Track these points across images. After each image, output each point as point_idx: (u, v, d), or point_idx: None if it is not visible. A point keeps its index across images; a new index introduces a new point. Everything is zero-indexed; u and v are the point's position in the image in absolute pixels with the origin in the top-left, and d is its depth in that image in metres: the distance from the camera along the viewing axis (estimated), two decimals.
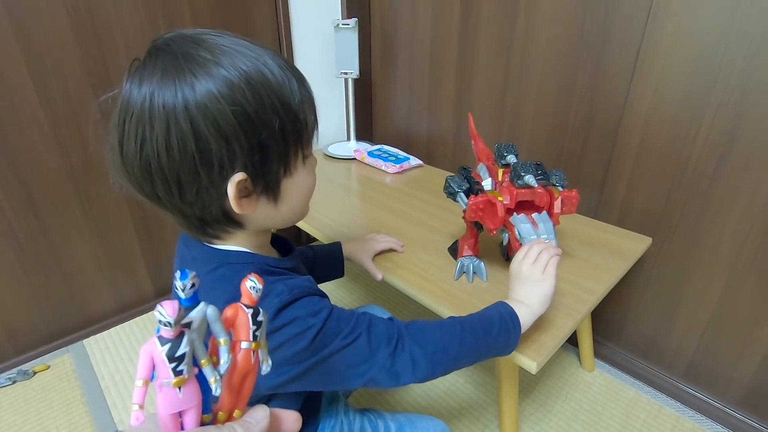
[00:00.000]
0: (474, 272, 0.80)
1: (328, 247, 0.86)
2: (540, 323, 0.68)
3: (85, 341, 1.22)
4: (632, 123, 0.96)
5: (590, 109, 1.03)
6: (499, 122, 1.23)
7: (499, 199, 0.68)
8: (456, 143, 1.38)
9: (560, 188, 0.72)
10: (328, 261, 0.84)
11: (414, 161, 1.33)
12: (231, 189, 0.43)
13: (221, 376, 0.24)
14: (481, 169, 0.80)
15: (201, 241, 0.51)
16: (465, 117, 1.32)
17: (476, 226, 0.80)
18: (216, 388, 0.23)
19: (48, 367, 1.14)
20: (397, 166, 1.28)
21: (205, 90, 0.40)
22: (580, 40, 1.00)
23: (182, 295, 0.23)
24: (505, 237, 0.73)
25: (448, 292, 0.77)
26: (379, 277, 0.82)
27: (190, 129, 0.40)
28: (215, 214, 0.46)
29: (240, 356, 0.26)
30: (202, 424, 0.24)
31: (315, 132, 0.51)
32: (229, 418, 0.26)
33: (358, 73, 1.35)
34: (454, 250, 0.87)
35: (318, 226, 1.00)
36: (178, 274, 0.23)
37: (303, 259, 0.82)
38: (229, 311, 0.26)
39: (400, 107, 1.50)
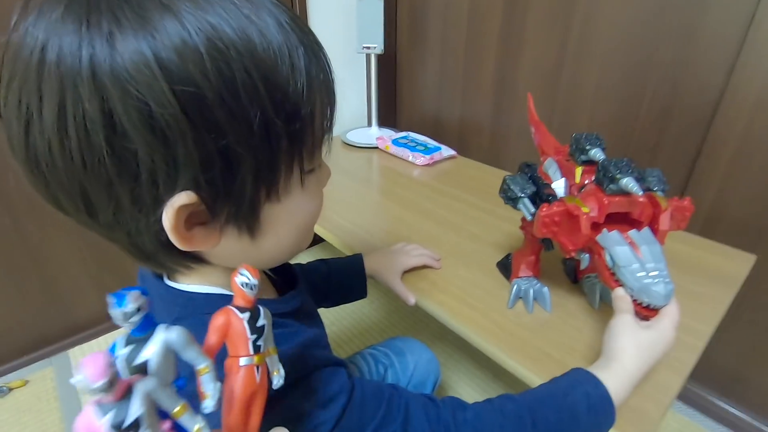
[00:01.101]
0: (534, 299, 0.62)
1: (347, 261, 0.69)
2: (639, 385, 0.49)
3: (70, 351, 1.09)
4: (735, 110, 0.75)
5: (672, 93, 0.83)
6: (550, 108, 1.03)
7: (584, 209, 0.50)
8: (494, 132, 1.18)
9: (661, 195, 0.52)
10: (347, 279, 0.67)
11: (446, 151, 1.14)
12: (168, 216, 0.27)
13: (214, 417, 0.20)
14: (550, 166, 0.61)
15: (158, 277, 0.35)
16: (506, 101, 1.12)
17: (542, 242, 0.61)
18: None
19: (26, 383, 1.01)
20: (427, 156, 1.09)
21: (132, 50, 0.24)
22: (664, 2, 0.79)
23: (126, 326, 0.18)
24: (585, 259, 0.55)
25: (501, 326, 0.59)
26: (412, 301, 0.65)
27: (98, 112, 0.24)
28: (150, 247, 0.30)
29: (240, 377, 0.22)
30: None
31: (327, 135, 0.34)
32: None
33: (382, 47, 1.16)
34: (505, 267, 0.68)
35: (333, 228, 0.83)
36: (111, 300, 0.18)
37: (315, 278, 0.65)
38: (218, 320, 0.22)
39: (429, 88, 1.31)
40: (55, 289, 1.06)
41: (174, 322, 0.32)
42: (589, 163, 0.56)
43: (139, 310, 0.19)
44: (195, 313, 0.34)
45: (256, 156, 0.28)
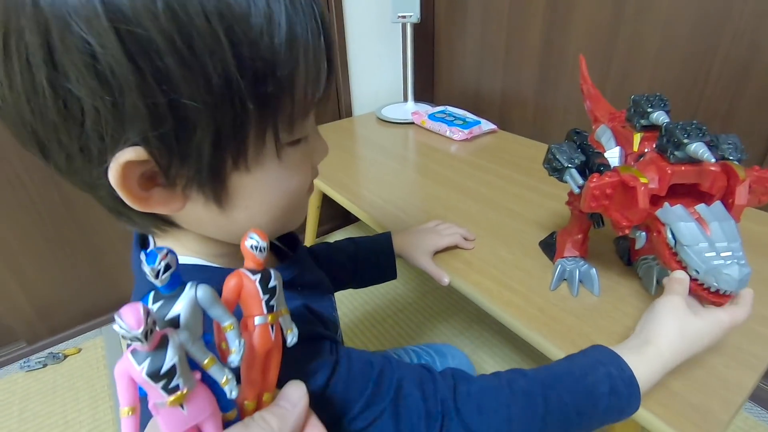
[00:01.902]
0: (580, 281, 0.57)
1: (375, 239, 0.65)
2: (704, 379, 0.44)
3: None
4: None
5: (750, 49, 0.72)
6: (604, 74, 0.93)
7: (642, 180, 0.43)
8: (539, 104, 1.10)
9: (737, 163, 0.45)
10: (375, 258, 0.64)
11: (486, 125, 1.07)
12: (113, 172, 0.25)
13: (235, 372, 0.21)
14: (603, 134, 0.54)
15: (140, 238, 0.35)
16: (553, 70, 1.03)
17: (590, 219, 0.55)
18: (231, 391, 0.20)
19: (79, 351, 1.07)
20: (465, 131, 1.03)
21: None
22: None
23: (157, 283, 0.19)
24: (641, 237, 0.48)
25: (543, 310, 0.54)
26: (446, 281, 0.61)
27: (39, 48, 0.21)
28: (111, 202, 0.28)
29: (256, 335, 0.22)
30: (227, 423, 0.21)
31: (319, 102, 0.30)
32: (259, 405, 0.23)
33: (419, 16, 1.10)
34: (549, 246, 0.63)
35: (365, 206, 0.80)
36: (143, 257, 0.18)
37: (342, 257, 0.62)
38: (231, 281, 0.22)
39: (468, 60, 1.23)
40: (102, 264, 1.11)
41: (148, 291, 0.30)
42: (651, 128, 0.49)
43: (168, 268, 0.19)
44: None
45: (214, 117, 0.24)
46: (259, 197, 0.30)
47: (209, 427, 0.20)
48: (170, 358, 0.18)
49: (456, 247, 0.65)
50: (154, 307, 0.19)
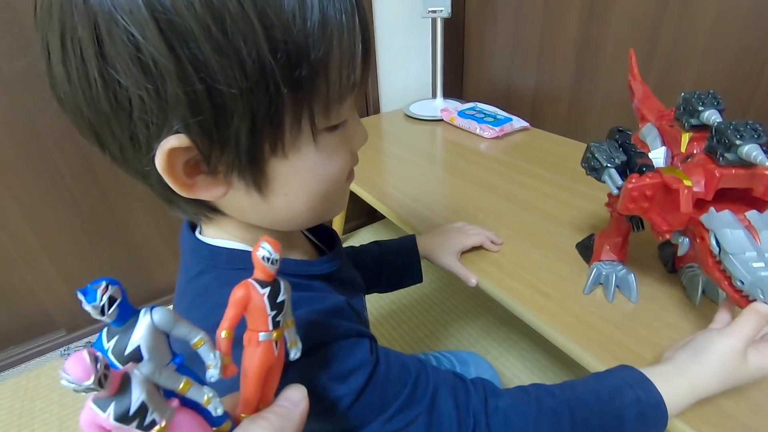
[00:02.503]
0: (617, 286, 0.54)
1: (399, 241, 0.64)
2: (761, 401, 0.41)
3: None
4: None
5: None
6: (646, 68, 0.89)
7: (686, 182, 0.41)
8: (574, 100, 1.06)
9: None
10: (399, 261, 0.63)
11: (517, 123, 1.04)
12: (159, 159, 0.26)
13: (218, 384, 0.20)
14: (648, 133, 0.51)
15: (191, 230, 0.36)
16: (590, 64, 0.99)
17: (630, 221, 0.52)
18: (215, 409, 0.20)
19: None
20: (496, 128, 1.00)
21: None
22: None
23: (105, 320, 0.17)
24: (684, 244, 0.45)
25: (579, 317, 0.52)
26: (473, 282, 0.59)
27: (90, 42, 0.23)
28: (160, 189, 0.30)
29: (259, 351, 0.22)
30: None
31: (355, 87, 0.29)
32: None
33: (449, 10, 1.07)
34: (586, 249, 0.60)
35: (392, 204, 0.79)
36: (81, 296, 0.17)
37: (367, 259, 0.61)
38: (237, 293, 0.21)
39: (500, 55, 1.20)
40: (138, 257, 1.14)
41: (198, 274, 0.33)
42: (701, 128, 0.46)
43: (113, 301, 0.17)
44: (218, 267, 0.33)
45: (250, 102, 0.25)
46: (298, 183, 0.31)
47: None
48: (137, 396, 0.17)
49: (482, 248, 0.64)
50: (110, 345, 0.18)
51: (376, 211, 0.83)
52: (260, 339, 0.22)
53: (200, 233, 0.36)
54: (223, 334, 0.21)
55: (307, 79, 0.26)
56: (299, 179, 0.30)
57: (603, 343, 0.48)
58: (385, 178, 0.89)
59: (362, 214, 1.49)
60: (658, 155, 0.48)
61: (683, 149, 0.46)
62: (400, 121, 1.19)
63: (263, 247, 0.21)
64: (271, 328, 0.22)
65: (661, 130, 0.50)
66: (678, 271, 0.55)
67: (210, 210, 0.32)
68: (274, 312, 0.22)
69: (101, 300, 0.17)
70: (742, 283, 0.38)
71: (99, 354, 0.16)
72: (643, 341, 0.47)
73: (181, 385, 0.19)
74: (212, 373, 0.20)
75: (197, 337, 0.20)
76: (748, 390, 0.41)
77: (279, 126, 0.27)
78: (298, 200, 0.32)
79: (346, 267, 0.43)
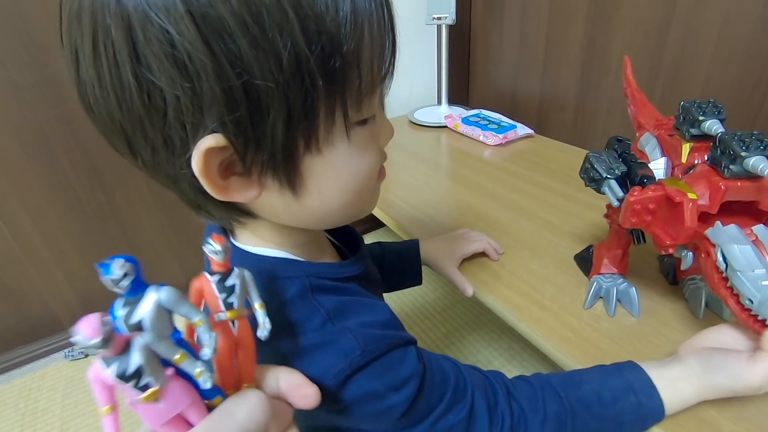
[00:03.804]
0: (618, 300, 0.53)
1: (402, 245, 0.64)
2: (760, 421, 0.39)
3: None
4: None
5: None
6: (653, 76, 0.87)
7: (690, 195, 0.39)
8: (580, 107, 1.04)
9: None
10: (400, 264, 0.62)
11: (522, 130, 1.03)
12: (196, 160, 0.26)
13: (208, 363, 0.22)
14: (647, 142, 0.50)
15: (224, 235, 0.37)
16: (596, 71, 0.98)
17: (631, 234, 0.51)
18: (204, 381, 0.22)
19: None
20: (500, 136, 0.99)
21: None
22: None
23: (119, 291, 0.20)
24: (688, 258, 0.44)
25: (576, 331, 0.50)
26: (470, 292, 0.58)
27: (124, 43, 0.23)
28: (192, 195, 0.29)
29: (218, 331, 0.23)
30: (213, 408, 0.23)
31: (384, 79, 0.30)
32: None
33: (454, 17, 1.07)
34: (585, 261, 0.59)
35: (392, 212, 0.78)
36: (99, 269, 0.19)
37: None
38: (194, 284, 0.24)
39: (505, 61, 1.19)
40: (142, 259, 1.11)
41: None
42: (701, 138, 0.45)
43: (126, 275, 0.19)
44: (271, 274, 0.33)
45: (286, 96, 0.25)
46: (332, 180, 0.31)
47: (192, 414, 0.22)
48: (135, 360, 0.19)
49: (484, 256, 0.63)
50: (120, 314, 0.20)
51: (377, 218, 0.83)
52: (216, 320, 0.24)
53: (234, 239, 0.36)
54: (196, 320, 0.22)
55: (340, 70, 0.26)
56: (333, 176, 0.30)
57: (599, 358, 0.47)
58: (387, 186, 0.88)
59: (365, 221, 1.48)
60: (658, 166, 0.47)
61: (684, 160, 0.45)
62: (405, 127, 1.18)
63: (207, 242, 0.24)
64: (223, 309, 0.24)
65: (660, 140, 0.48)
66: (679, 283, 0.54)
67: (241, 213, 0.32)
68: (224, 295, 0.24)
69: (116, 273, 0.19)
70: (751, 302, 0.37)
71: (107, 318, 0.19)
72: (641, 357, 0.46)
73: (177, 356, 0.21)
74: (206, 352, 0.22)
75: (197, 318, 0.22)
76: (747, 408, 0.40)
77: (314, 120, 0.27)
78: (332, 198, 0.31)
79: (371, 265, 0.44)
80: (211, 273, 0.24)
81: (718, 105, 0.45)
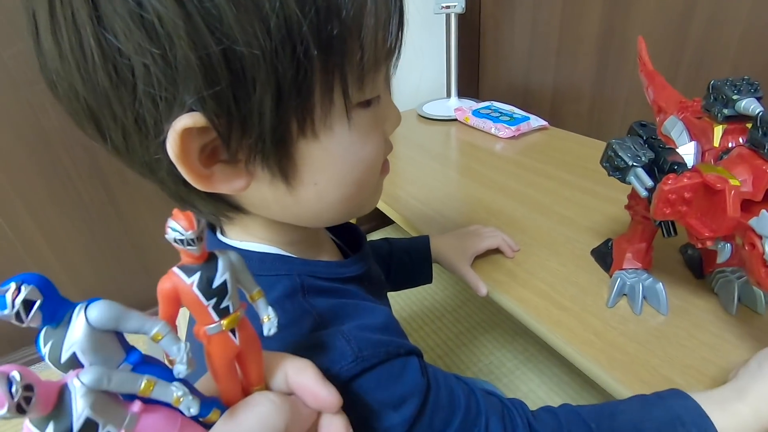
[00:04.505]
0: (644, 297, 0.48)
1: (411, 241, 0.61)
2: None
3: None
4: None
5: None
6: (674, 62, 0.82)
7: (732, 182, 0.35)
8: (596, 97, 1.00)
9: None
10: (409, 261, 0.59)
11: (535, 122, 0.99)
12: (171, 142, 0.22)
13: (185, 382, 0.17)
14: (673, 126, 0.46)
15: (212, 232, 0.33)
16: (614, 58, 0.93)
17: (659, 226, 0.47)
18: (188, 408, 0.17)
19: None
20: (512, 128, 0.95)
21: None
22: None
23: (30, 325, 0.14)
24: (725, 250, 0.40)
25: (600, 334, 0.46)
26: (483, 291, 0.55)
27: (84, 4, 0.20)
28: (173, 186, 0.26)
29: (213, 346, 0.19)
30: (211, 425, 0.18)
31: (391, 53, 0.26)
32: None
33: (463, 5, 1.03)
34: (603, 256, 0.55)
35: (400, 208, 0.75)
36: None
37: (376, 257, 0.58)
38: (163, 284, 0.18)
39: (517, 51, 1.15)
40: (146, 259, 1.14)
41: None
42: (735, 119, 0.41)
43: (30, 304, 0.14)
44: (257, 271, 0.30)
45: (275, 67, 0.21)
46: (330, 169, 0.27)
47: None
48: (78, 412, 0.14)
49: (498, 253, 0.59)
50: (45, 351, 0.15)
51: (386, 215, 0.79)
52: (209, 333, 0.19)
53: (222, 235, 0.33)
54: (153, 333, 0.17)
55: (339, 38, 0.22)
56: (331, 164, 0.27)
57: (627, 364, 0.43)
58: (395, 181, 0.85)
59: (372, 218, 1.45)
60: (687, 151, 0.43)
61: (716, 143, 0.41)
62: (413, 121, 1.15)
63: (171, 228, 0.17)
64: (216, 318, 0.18)
65: (687, 123, 0.44)
66: (706, 276, 0.50)
67: (230, 208, 0.29)
68: (213, 300, 0.18)
69: (13, 306, 0.14)
70: None
71: (15, 374, 0.13)
72: (673, 363, 0.42)
73: (142, 387, 0.16)
74: (179, 369, 0.17)
75: (154, 330, 0.17)
76: None
77: (308, 97, 0.23)
78: (329, 190, 0.28)
79: (375, 265, 0.41)
80: (185, 269, 0.18)
81: (753, 82, 0.40)
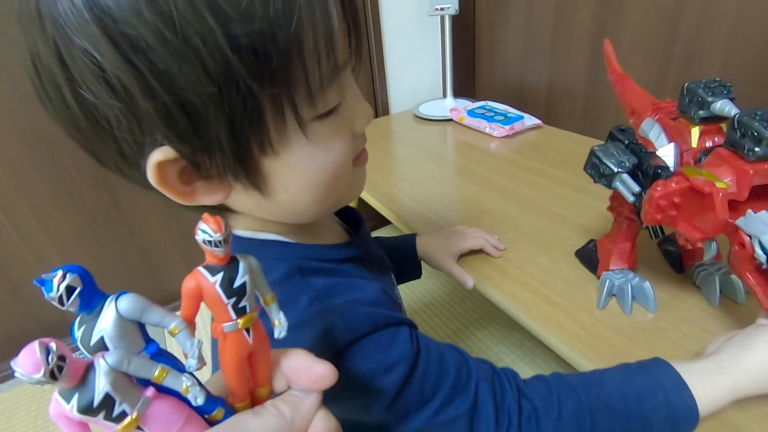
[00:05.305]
0: (633, 297, 0.50)
1: (399, 240, 0.63)
2: None
3: None
4: None
5: None
6: (665, 59, 0.84)
7: (719, 184, 0.37)
8: (590, 95, 1.01)
9: None
10: (398, 258, 0.61)
11: (529, 120, 1.00)
12: (150, 173, 0.25)
13: (195, 376, 0.19)
14: (650, 128, 0.47)
15: None
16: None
17: (647, 228, 0.48)
18: (195, 398, 0.18)
19: None
20: (506, 127, 0.97)
21: None
22: None
23: (69, 309, 0.16)
24: (712, 248, 0.42)
25: (588, 328, 0.48)
26: (470, 284, 0.57)
27: (58, 65, 0.22)
28: (167, 200, 0.29)
29: (228, 343, 0.20)
30: (214, 423, 0.19)
31: (338, 68, 0.27)
32: (254, 401, 0.22)
33: (457, 7, 1.04)
34: (586, 257, 0.56)
35: (396, 208, 0.77)
36: (41, 287, 0.16)
37: None
38: (188, 283, 0.19)
39: (512, 51, 1.16)
40: (150, 261, 1.16)
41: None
42: (711, 120, 0.42)
43: (72, 290, 0.16)
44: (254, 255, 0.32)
45: (222, 105, 0.23)
46: (296, 178, 0.29)
47: (190, 430, 0.19)
48: (100, 387, 0.16)
49: (483, 252, 0.61)
50: (78, 334, 0.17)
51: (383, 215, 0.81)
52: (225, 330, 0.20)
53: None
54: (171, 327, 0.19)
55: (280, 70, 0.24)
56: (296, 174, 0.29)
57: (612, 356, 0.44)
58: (391, 181, 0.87)
59: (372, 217, 1.46)
60: (667, 152, 0.44)
61: (694, 144, 0.42)
62: (410, 122, 1.16)
63: (202, 230, 0.19)
64: (234, 317, 0.20)
65: (663, 124, 0.46)
66: (686, 270, 0.52)
67: (225, 211, 0.32)
68: (233, 300, 0.20)
69: (58, 290, 0.16)
70: None
71: (53, 344, 0.15)
72: (658, 354, 0.43)
73: (156, 373, 0.18)
74: (190, 363, 0.19)
75: (172, 325, 0.18)
76: (765, 405, 0.37)
77: (261, 124, 0.25)
78: (301, 194, 0.30)
79: (374, 246, 0.44)
80: (210, 268, 0.20)
81: (725, 84, 0.42)
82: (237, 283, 0.20)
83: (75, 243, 1.04)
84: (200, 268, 0.20)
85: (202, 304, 0.20)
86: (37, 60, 0.23)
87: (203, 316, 0.24)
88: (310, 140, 0.28)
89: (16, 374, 0.15)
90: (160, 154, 0.24)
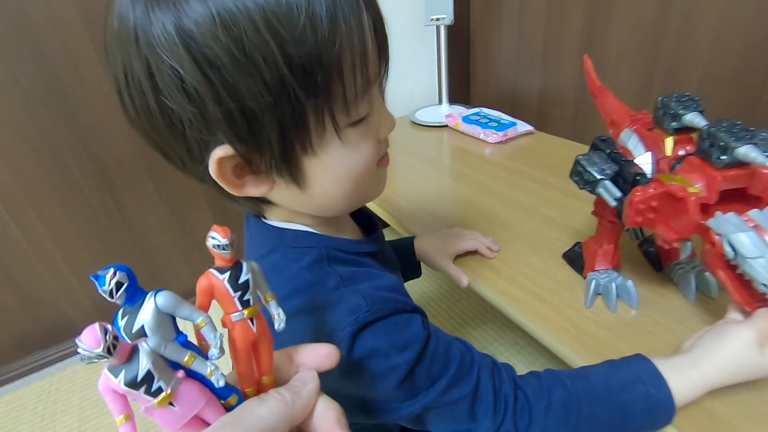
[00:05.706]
0: (617, 295, 0.53)
1: (399, 242, 0.67)
2: (756, 406, 0.40)
3: None
4: None
5: None
6: (649, 69, 0.88)
7: (691, 189, 0.40)
8: (580, 102, 1.05)
9: None
10: (399, 259, 0.64)
11: (522, 127, 1.04)
12: (212, 167, 0.31)
13: (216, 360, 0.22)
14: (628, 138, 0.51)
15: (257, 216, 0.41)
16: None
17: (629, 230, 0.52)
18: (217, 381, 0.22)
19: None
20: (500, 133, 1.00)
21: (161, 20, 0.27)
22: None
23: (116, 301, 0.20)
24: (687, 247, 0.45)
25: (576, 324, 0.51)
26: (464, 282, 0.60)
27: (146, 77, 0.28)
28: (219, 191, 0.35)
29: (236, 331, 0.24)
30: (230, 408, 0.23)
31: (375, 83, 0.33)
32: (259, 389, 0.25)
33: (452, 17, 1.08)
34: (573, 259, 0.60)
35: (393, 211, 0.80)
36: (95, 281, 0.19)
37: None
38: (201, 283, 0.23)
39: (505, 59, 1.20)
40: (153, 264, 1.18)
41: (267, 253, 0.38)
42: (683, 130, 0.46)
43: (120, 285, 0.20)
44: (284, 245, 0.38)
45: (275, 113, 0.29)
46: (330, 175, 0.35)
47: (208, 414, 0.22)
48: (144, 365, 0.20)
49: (478, 253, 0.64)
50: (122, 323, 0.21)
51: (382, 219, 0.84)
52: (233, 320, 0.24)
53: (265, 219, 0.40)
54: (198, 321, 0.22)
55: (323, 85, 0.29)
56: (330, 172, 0.34)
57: (597, 348, 0.48)
58: (389, 185, 0.87)
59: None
60: (645, 161, 0.48)
61: (669, 152, 0.46)
62: (406, 128, 1.20)
63: (212, 237, 0.22)
64: (240, 308, 0.23)
65: (640, 135, 0.49)
66: (665, 269, 0.55)
67: (264, 203, 0.37)
68: (238, 293, 0.23)
69: (109, 285, 0.19)
70: (766, 286, 0.37)
71: (109, 327, 0.19)
72: (639, 347, 0.47)
73: (186, 358, 0.21)
74: (213, 352, 0.22)
75: (199, 319, 0.22)
76: (741, 394, 0.41)
77: (304, 129, 0.31)
78: (333, 190, 0.35)
79: (387, 246, 0.49)
80: (219, 269, 0.23)
81: (695, 98, 0.46)
82: (241, 279, 0.23)
83: (79, 246, 1.07)
84: (211, 270, 0.23)
85: (213, 302, 0.24)
86: (129, 72, 0.28)
87: (214, 319, 0.29)
88: (344, 143, 0.33)
89: (78, 350, 0.18)
90: (221, 151, 0.30)
